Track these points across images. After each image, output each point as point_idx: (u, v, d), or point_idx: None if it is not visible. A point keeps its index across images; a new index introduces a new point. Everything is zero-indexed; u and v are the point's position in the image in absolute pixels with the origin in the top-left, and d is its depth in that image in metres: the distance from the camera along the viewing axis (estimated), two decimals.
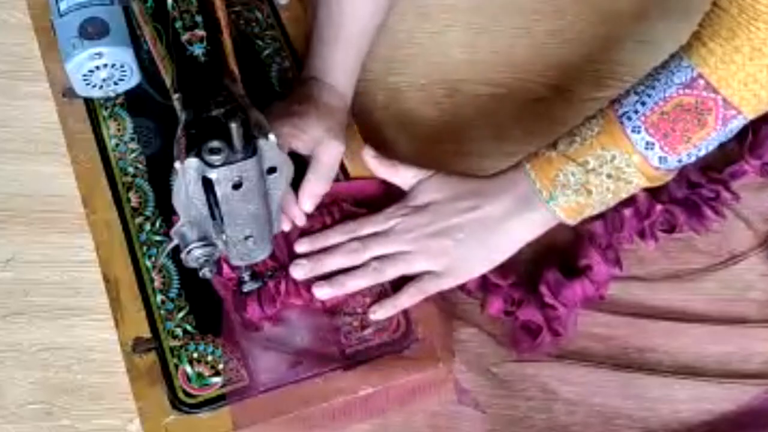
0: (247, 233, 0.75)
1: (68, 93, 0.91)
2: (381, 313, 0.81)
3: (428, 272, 0.82)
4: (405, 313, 0.81)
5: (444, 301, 0.84)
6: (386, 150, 0.90)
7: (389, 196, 0.86)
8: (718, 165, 0.91)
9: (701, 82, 0.75)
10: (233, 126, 0.67)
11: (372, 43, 0.90)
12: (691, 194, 0.89)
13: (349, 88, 0.89)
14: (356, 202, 0.86)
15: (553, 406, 0.82)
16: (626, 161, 0.78)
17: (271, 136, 0.69)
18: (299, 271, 0.82)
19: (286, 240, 0.83)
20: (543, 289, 0.83)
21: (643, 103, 0.77)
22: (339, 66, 0.88)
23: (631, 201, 0.85)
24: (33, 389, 0.83)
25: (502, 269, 0.83)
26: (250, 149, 0.69)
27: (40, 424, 0.81)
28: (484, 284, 0.84)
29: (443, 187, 0.84)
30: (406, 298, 0.81)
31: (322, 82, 0.88)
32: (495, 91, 0.99)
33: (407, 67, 1.01)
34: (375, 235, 0.83)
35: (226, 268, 0.81)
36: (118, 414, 0.81)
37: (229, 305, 0.81)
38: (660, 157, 0.77)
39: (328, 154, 0.84)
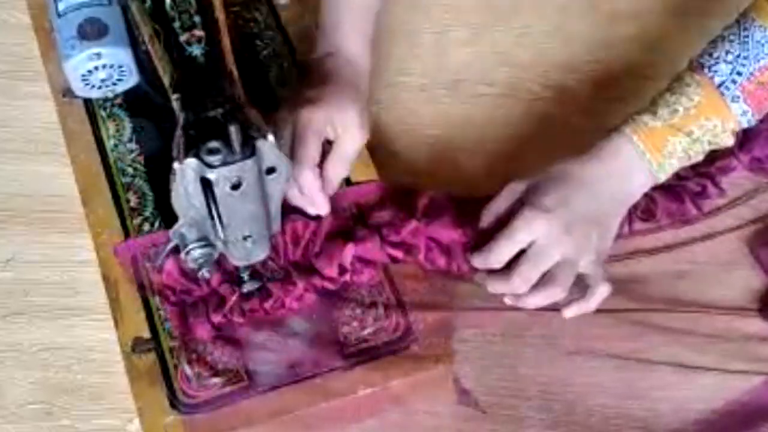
0: (246, 233, 0.75)
1: (68, 93, 0.91)
2: (573, 312, 0.82)
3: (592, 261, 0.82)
4: (404, 313, 0.81)
5: (444, 301, 0.84)
6: (386, 150, 0.90)
7: (391, 198, 0.86)
8: (706, 160, 0.90)
9: None
10: (232, 127, 0.67)
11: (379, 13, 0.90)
12: (677, 186, 0.89)
13: (369, 57, 0.89)
14: (359, 207, 0.86)
15: (553, 406, 0.82)
16: (724, 128, 0.81)
17: (270, 137, 0.69)
18: (494, 287, 0.82)
19: (286, 241, 0.83)
20: None
21: (739, 73, 0.80)
22: (356, 34, 0.88)
23: None
24: (33, 389, 0.83)
25: None
26: (249, 150, 0.69)
27: (40, 424, 0.81)
28: None
29: (553, 189, 0.82)
30: (601, 292, 0.81)
31: (341, 56, 0.87)
32: (495, 91, 0.99)
33: (408, 67, 1.01)
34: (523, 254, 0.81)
35: (169, 273, 0.81)
36: (118, 414, 0.81)
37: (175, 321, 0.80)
38: (748, 120, 0.81)
39: (354, 138, 0.83)
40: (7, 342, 0.85)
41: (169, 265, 0.80)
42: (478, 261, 0.83)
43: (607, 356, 0.84)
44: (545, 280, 0.80)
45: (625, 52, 1.01)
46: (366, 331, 0.81)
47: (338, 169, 0.83)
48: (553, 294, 0.80)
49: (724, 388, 0.82)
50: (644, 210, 0.89)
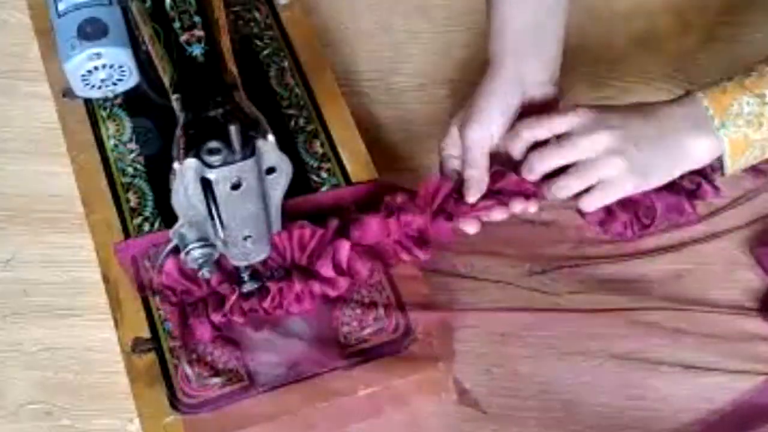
0: (246, 233, 0.75)
1: (68, 93, 0.91)
2: (593, 204, 0.80)
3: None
4: (404, 313, 0.81)
5: (444, 301, 0.84)
6: (386, 150, 0.90)
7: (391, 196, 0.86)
8: None
9: None
10: (232, 127, 0.67)
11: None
12: (671, 183, 0.89)
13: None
14: (358, 207, 0.86)
15: (553, 406, 0.82)
16: None
17: (270, 137, 0.69)
18: (552, 194, 0.81)
19: (292, 246, 0.83)
20: None
21: None
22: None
23: None
24: (33, 389, 0.83)
25: None
26: (249, 150, 0.69)
27: (40, 424, 0.81)
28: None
29: (619, 113, 0.81)
30: (623, 187, 0.80)
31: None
32: None
33: (407, 67, 1.01)
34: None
35: (169, 274, 0.80)
36: (118, 414, 0.81)
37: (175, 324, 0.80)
38: None
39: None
40: (7, 342, 0.85)
41: (169, 265, 0.80)
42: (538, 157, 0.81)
43: (607, 356, 0.84)
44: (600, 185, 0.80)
45: (624, 52, 1.01)
46: (366, 331, 0.81)
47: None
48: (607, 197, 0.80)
49: (725, 388, 0.82)
50: (645, 212, 0.89)
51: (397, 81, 1.00)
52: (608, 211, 0.85)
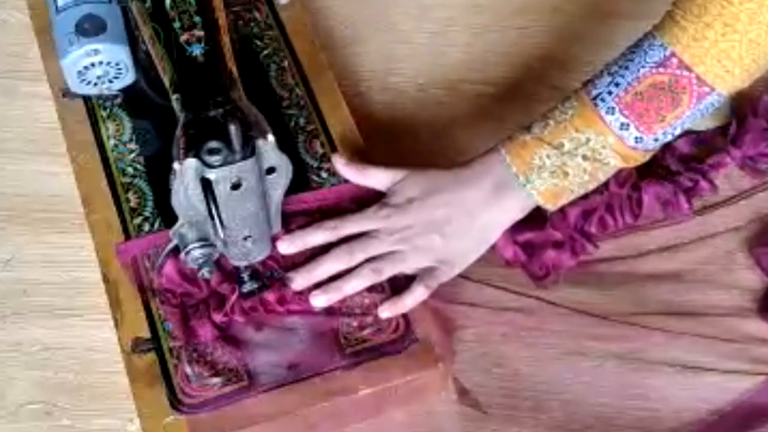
0: (246, 233, 0.75)
1: (68, 93, 0.91)
2: (389, 311, 0.81)
3: (425, 269, 0.82)
4: (404, 314, 0.81)
5: (443, 301, 0.84)
6: (386, 150, 0.90)
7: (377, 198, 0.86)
8: (700, 155, 0.90)
9: (674, 60, 0.75)
10: (232, 126, 0.67)
11: None
12: (669, 180, 0.89)
13: None
14: (341, 206, 0.86)
15: (553, 406, 0.82)
16: (602, 143, 0.78)
17: (270, 137, 0.69)
18: (297, 283, 0.81)
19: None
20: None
21: (617, 84, 0.77)
22: None
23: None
24: (33, 389, 0.83)
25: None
26: (249, 150, 0.69)
27: (40, 424, 0.81)
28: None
29: (420, 183, 0.83)
30: (412, 298, 0.81)
31: None
32: (495, 91, 0.99)
33: (407, 67, 1.01)
34: (362, 236, 0.82)
35: (168, 276, 0.81)
36: (118, 414, 0.81)
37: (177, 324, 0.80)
38: (636, 137, 0.78)
39: None
40: (7, 342, 0.85)
41: (169, 268, 0.80)
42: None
43: (607, 356, 0.84)
44: (370, 266, 0.81)
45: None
46: (366, 331, 0.81)
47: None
48: (371, 281, 0.81)
49: (724, 388, 0.82)
50: (630, 207, 0.88)
51: (396, 81, 1.00)
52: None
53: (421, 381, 0.80)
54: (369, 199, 0.86)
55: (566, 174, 0.79)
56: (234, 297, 0.80)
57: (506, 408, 0.82)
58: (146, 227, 0.85)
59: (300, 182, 0.85)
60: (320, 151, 0.89)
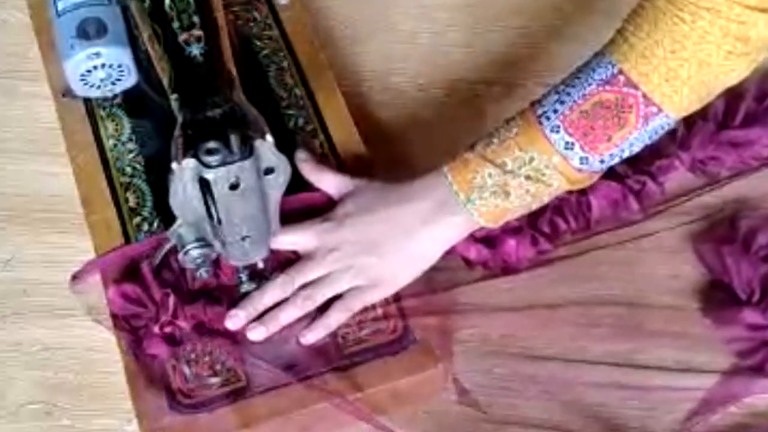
0: (245, 234, 0.75)
1: (68, 93, 0.91)
2: (312, 336, 0.79)
3: (355, 287, 0.80)
4: (402, 314, 0.81)
5: (443, 302, 0.84)
6: (384, 150, 0.90)
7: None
8: (648, 158, 0.89)
9: (621, 78, 0.73)
10: (230, 127, 0.67)
11: None
12: (617, 182, 0.88)
13: None
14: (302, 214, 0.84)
15: (553, 406, 0.82)
16: (545, 162, 0.76)
17: (268, 137, 0.69)
18: (239, 319, 0.80)
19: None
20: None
21: (562, 102, 0.75)
22: None
23: None
24: (33, 389, 0.83)
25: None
26: (247, 150, 0.69)
27: (40, 424, 0.81)
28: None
29: (363, 197, 0.82)
30: (335, 317, 0.80)
31: None
32: (494, 91, 0.99)
33: (407, 67, 1.01)
34: (300, 259, 0.81)
35: (113, 302, 0.80)
36: (117, 414, 0.81)
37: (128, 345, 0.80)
38: (581, 158, 0.76)
39: None
40: (7, 342, 0.85)
41: (112, 292, 0.80)
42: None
43: (606, 356, 0.84)
44: (303, 293, 0.80)
45: None
46: (364, 332, 0.81)
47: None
48: (305, 309, 0.80)
49: (727, 390, 0.82)
50: (580, 210, 0.88)
51: (396, 81, 1.00)
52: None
53: (420, 381, 0.80)
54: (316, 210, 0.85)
55: (508, 194, 0.77)
56: (171, 303, 0.79)
57: (506, 408, 0.82)
58: (145, 227, 0.85)
59: (299, 182, 0.85)
60: (319, 151, 0.89)
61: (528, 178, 0.76)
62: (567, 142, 0.75)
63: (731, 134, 0.92)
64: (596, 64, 0.75)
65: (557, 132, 0.75)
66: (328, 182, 0.85)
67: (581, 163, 0.76)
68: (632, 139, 0.76)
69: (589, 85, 0.74)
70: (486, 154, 0.77)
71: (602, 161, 0.77)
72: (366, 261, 0.80)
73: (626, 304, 0.86)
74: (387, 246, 0.80)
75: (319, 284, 0.80)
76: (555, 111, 0.75)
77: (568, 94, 0.75)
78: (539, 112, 0.76)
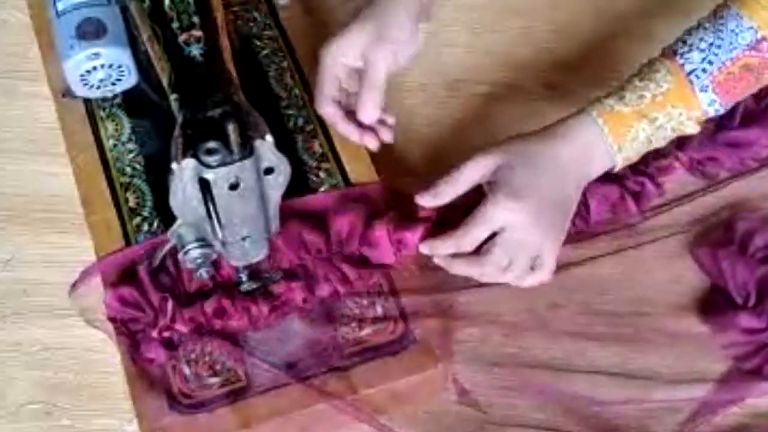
0: (244, 234, 0.75)
1: (68, 93, 0.91)
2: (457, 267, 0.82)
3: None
4: (402, 314, 0.81)
5: (443, 302, 0.84)
6: (386, 151, 0.90)
7: (343, 210, 0.85)
8: (646, 159, 0.89)
9: (765, 44, 0.78)
10: (230, 127, 0.67)
11: None
12: (616, 184, 0.89)
13: None
14: (309, 216, 0.84)
15: (552, 407, 0.82)
16: (689, 116, 0.81)
17: (268, 137, 0.69)
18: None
19: (284, 243, 0.83)
20: None
21: (711, 62, 0.80)
22: None
23: None
24: (33, 389, 0.83)
25: None
26: (247, 150, 0.69)
27: (40, 424, 0.81)
28: None
29: (514, 207, 0.80)
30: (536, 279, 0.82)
31: None
32: (495, 91, 0.99)
33: (406, 67, 1.01)
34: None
35: (110, 306, 0.80)
36: (117, 414, 0.81)
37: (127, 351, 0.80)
38: (715, 110, 0.81)
39: (376, 67, 0.86)
40: (7, 342, 0.85)
41: (110, 296, 0.80)
42: (448, 245, 0.81)
43: (606, 357, 0.84)
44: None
45: (625, 52, 1.01)
46: (365, 332, 0.81)
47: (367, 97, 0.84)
48: (509, 279, 0.81)
49: (727, 392, 0.82)
50: (578, 212, 0.87)
51: (397, 81, 1.00)
52: None
53: (420, 381, 0.80)
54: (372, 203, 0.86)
55: (651, 143, 0.82)
56: (170, 308, 0.79)
57: (506, 408, 0.82)
58: (145, 227, 0.85)
59: (298, 182, 0.85)
60: (319, 151, 0.89)
61: (673, 129, 0.82)
62: (711, 100, 0.81)
63: (730, 135, 0.92)
64: (737, 27, 0.79)
65: (705, 91, 0.80)
66: (470, 175, 0.83)
67: (714, 113, 0.82)
68: (752, 92, 0.83)
69: (736, 48, 0.79)
70: (640, 109, 0.81)
71: (724, 110, 0.82)
72: (558, 223, 0.82)
73: (626, 308, 0.86)
74: (568, 204, 0.82)
75: (525, 254, 0.81)
76: (704, 71, 0.80)
77: (715, 54, 0.80)
78: (688, 69, 0.80)
